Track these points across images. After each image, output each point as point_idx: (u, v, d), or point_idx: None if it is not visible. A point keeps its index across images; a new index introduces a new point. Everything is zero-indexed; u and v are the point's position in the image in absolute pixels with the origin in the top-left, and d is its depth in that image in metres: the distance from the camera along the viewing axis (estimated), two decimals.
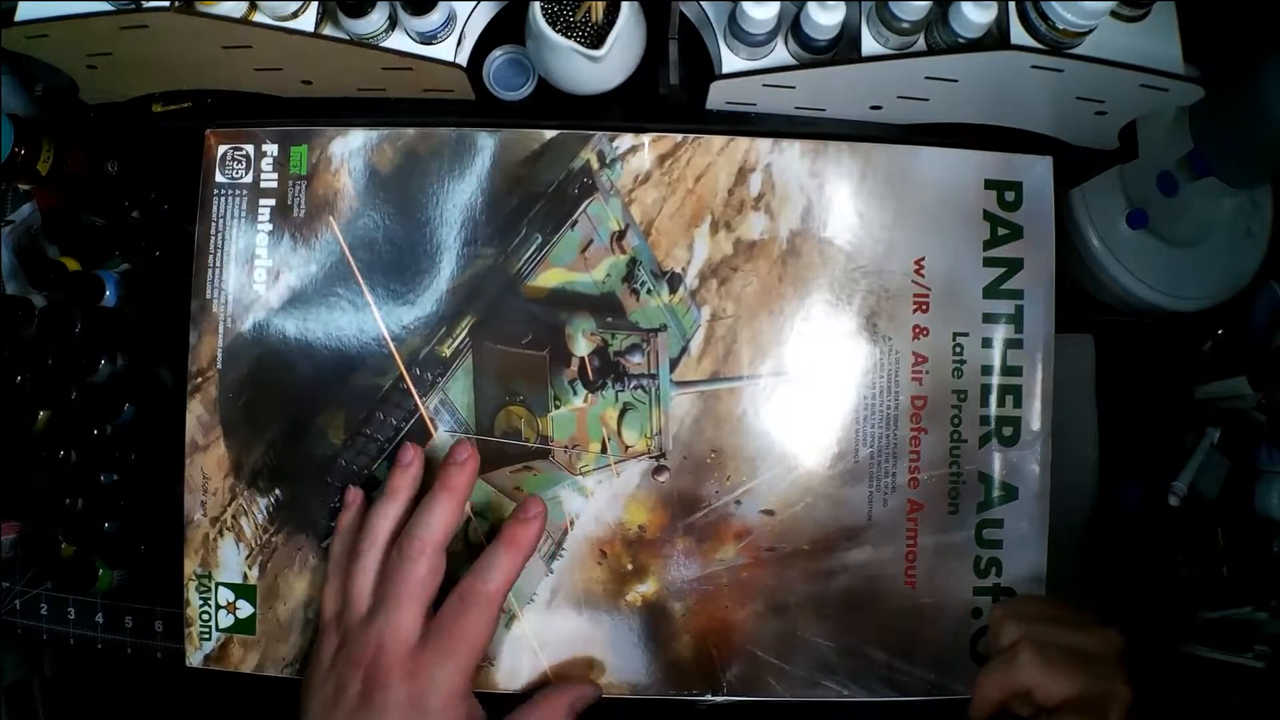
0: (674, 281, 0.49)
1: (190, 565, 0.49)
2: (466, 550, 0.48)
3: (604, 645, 0.49)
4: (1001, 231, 0.50)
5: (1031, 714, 0.42)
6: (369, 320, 0.49)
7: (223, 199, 0.49)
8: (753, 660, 0.49)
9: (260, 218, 0.49)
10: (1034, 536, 0.50)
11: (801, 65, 0.46)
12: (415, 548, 0.43)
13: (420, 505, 0.45)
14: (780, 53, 0.46)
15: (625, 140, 0.49)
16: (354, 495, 0.47)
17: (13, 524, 0.58)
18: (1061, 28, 0.42)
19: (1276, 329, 0.61)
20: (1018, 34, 0.43)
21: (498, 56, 0.50)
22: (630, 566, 0.49)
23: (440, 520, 0.44)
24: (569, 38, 0.43)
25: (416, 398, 0.48)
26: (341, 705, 0.42)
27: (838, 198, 0.49)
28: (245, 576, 0.49)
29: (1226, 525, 0.59)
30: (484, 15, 0.48)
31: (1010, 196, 0.50)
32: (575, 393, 0.48)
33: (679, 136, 0.49)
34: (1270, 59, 0.53)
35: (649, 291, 0.49)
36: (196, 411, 0.49)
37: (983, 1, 0.42)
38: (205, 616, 0.49)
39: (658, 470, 0.49)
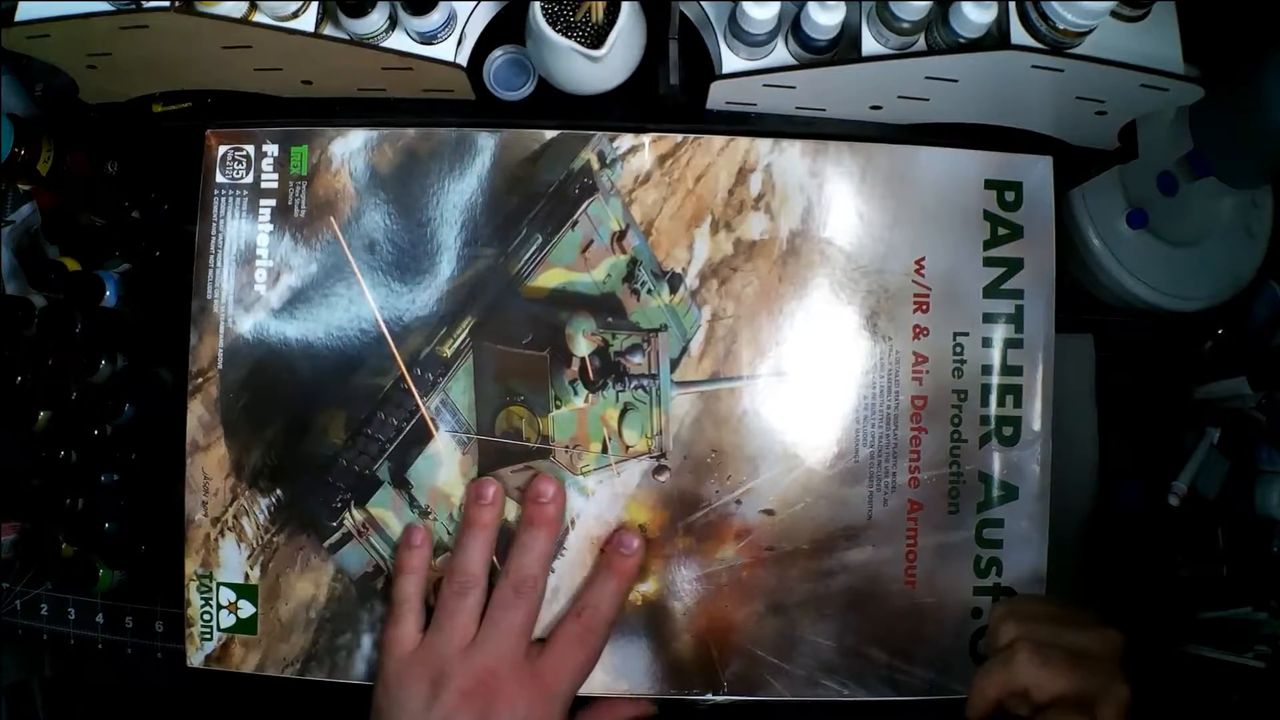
0: (674, 281, 0.49)
1: (191, 565, 0.49)
2: None
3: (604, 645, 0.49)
4: (1001, 231, 0.50)
5: (1029, 714, 0.42)
6: (369, 320, 0.49)
7: (223, 199, 0.49)
8: (753, 660, 0.49)
9: (261, 218, 0.49)
10: (1034, 536, 0.50)
11: (801, 65, 0.46)
12: (528, 585, 0.46)
13: (520, 541, 0.47)
14: (780, 53, 0.46)
15: (625, 140, 0.49)
16: (422, 535, 0.48)
17: (13, 524, 0.58)
18: (1061, 28, 0.42)
19: (1276, 329, 0.61)
20: (1018, 34, 0.43)
21: (498, 56, 0.50)
22: None
23: (543, 557, 0.47)
24: (569, 38, 0.43)
25: (417, 398, 0.48)
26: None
27: (838, 198, 0.49)
28: (247, 576, 0.49)
29: (1226, 525, 0.59)
30: (484, 15, 0.48)
31: (1010, 196, 0.50)
32: (576, 393, 0.48)
33: (679, 136, 0.49)
34: (1270, 59, 0.53)
35: (649, 291, 0.49)
36: (197, 412, 0.49)
37: (983, 1, 0.42)
38: (206, 616, 0.49)
39: (658, 470, 0.49)
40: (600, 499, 0.49)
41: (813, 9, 0.43)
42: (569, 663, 0.46)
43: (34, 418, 0.55)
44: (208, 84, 0.50)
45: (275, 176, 0.49)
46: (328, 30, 0.46)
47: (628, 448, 0.49)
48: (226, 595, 0.49)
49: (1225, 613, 0.56)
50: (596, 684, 0.48)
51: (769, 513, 0.49)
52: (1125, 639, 0.42)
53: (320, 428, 0.49)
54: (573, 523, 0.49)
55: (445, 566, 0.47)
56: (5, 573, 0.58)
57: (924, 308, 0.49)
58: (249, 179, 0.49)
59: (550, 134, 0.49)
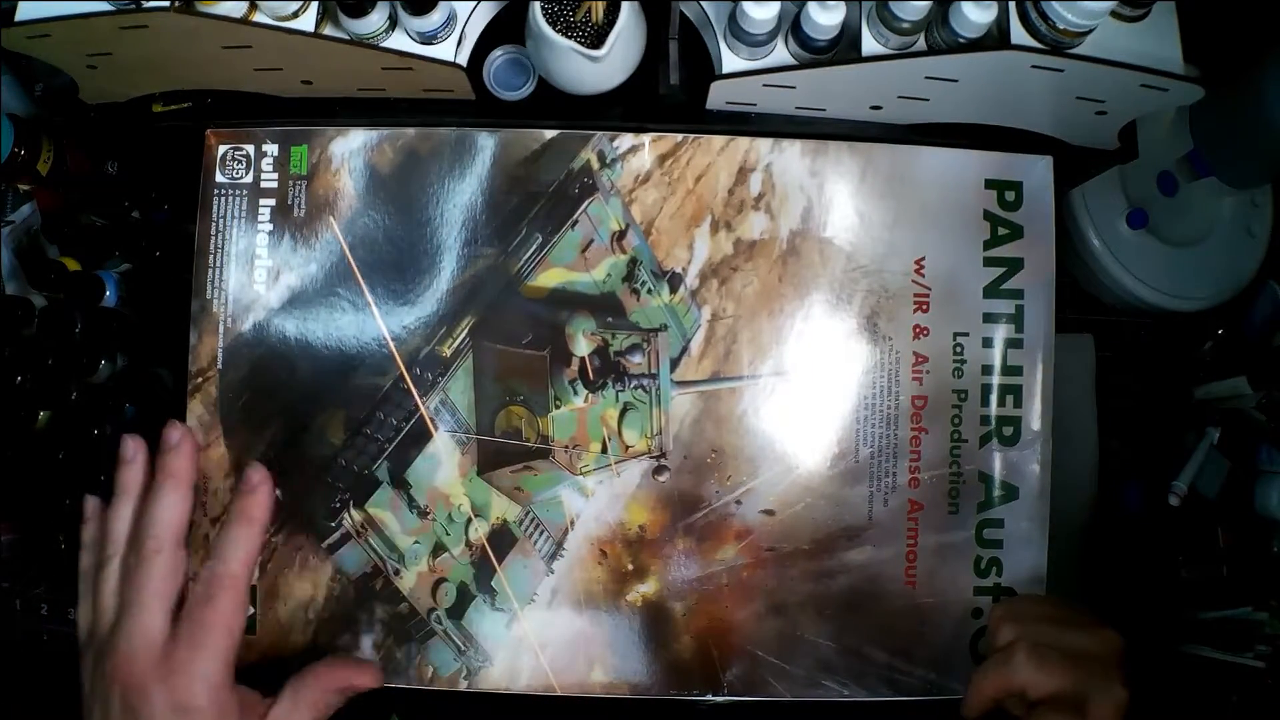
0: (674, 281, 0.49)
1: (191, 565, 0.49)
2: (467, 550, 0.48)
3: (604, 645, 0.49)
4: (1002, 231, 0.50)
5: (1024, 713, 0.42)
6: (369, 320, 0.49)
7: (223, 199, 0.49)
8: (753, 660, 0.49)
9: (260, 218, 0.49)
10: (1034, 536, 0.50)
11: (801, 65, 0.46)
12: (150, 546, 0.41)
13: (147, 502, 0.42)
14: (780, 53, 0.46)
15: (625, 140, 0.49)
16: (92, 506, 0.44)
17: (13, 524, 0.58)
18: (1061, 28, 0.42)
19: (1276, 329, 0.61)
20: (1018, 34, 0.43)
21: (498, 56, 0.50)
22: (631, 566, 0.49)
23: (170, 514, 0.42)
24: (569, 38, 0.43)
25: (417, 398, 0.48)
26: None
27: (838, 198, 0.49)
28: None
29: (1226, 525, 0.59)
30: (484, 15, 0.48)
31: (1010, 196, 0.50)
32: (576, 393, 0.48)
33: (679, 136, 0.49)
34: (1270, 59, 0.53)
35: (649, 291, 0.49)
36: (197, 411, 0.49)
37: (983, 1, 0.42)
38: None
39: (658, 470, 0.49)
40: (600, 499, 0.49)
41: (813, 9, 0.43)
42: (206, 623, 0.40)
43: (34, 418, 0.55)
44: (208, 84, 0.50)
45: (275, 176, 0.49)
46: (328, 30, 0.46)
47: (627, 448, 0.49)
48: None
49: (1225, 613, 0.56)
50: (597, 684, 0.48)
51: (769, 513, 0.49)
52: (1124, 640, 0.42)
53: (319, 427, 0.49)
54: (572, 523, 0.49)
55: (443, 566, 0.47)
56: (5, 573, 0.58)
57: (924, 308, 0.49)
58: (249, 179, 0.49)
59: (550, 134, 0.49)
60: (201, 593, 0.41)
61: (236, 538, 0.42)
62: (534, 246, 0.49)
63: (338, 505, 0.48)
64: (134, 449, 0.44)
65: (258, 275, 0.49)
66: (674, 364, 0.49)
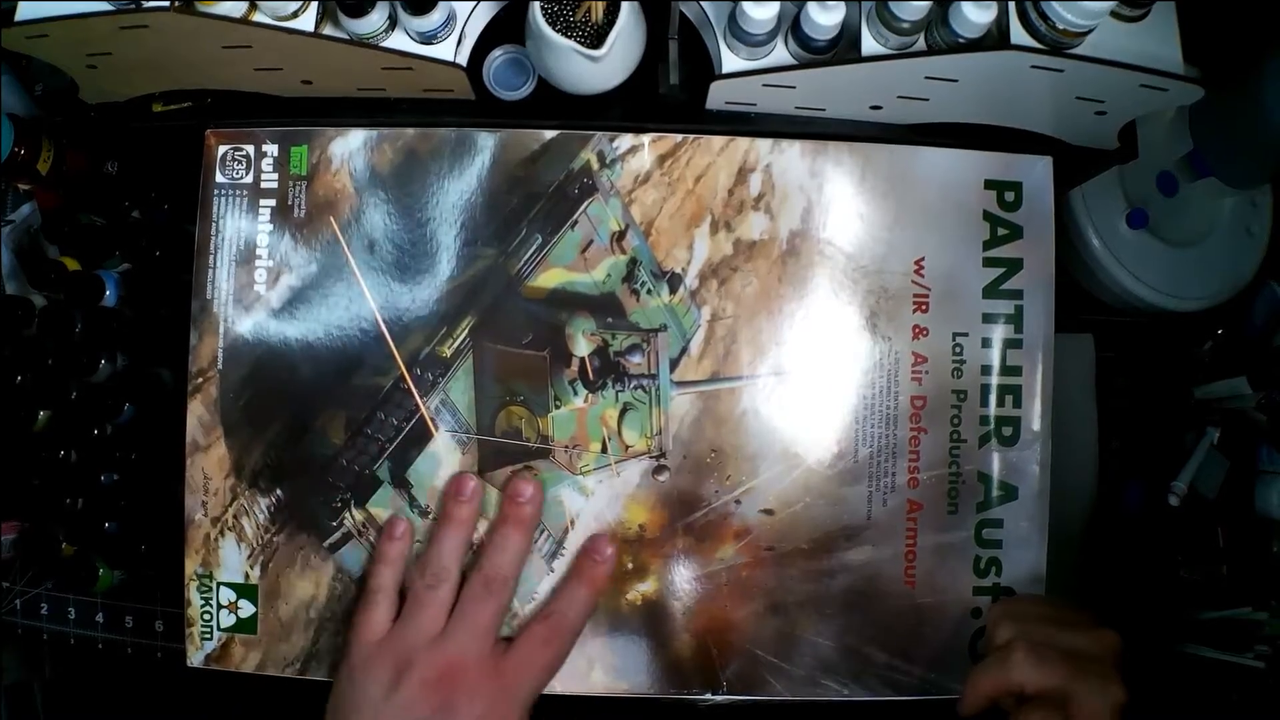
0: (674, 281, 0.49)
1: (191, 565, 0.49)
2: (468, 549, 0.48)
3: (604, 645, 0.49)
4: (1001, 231, 0.50)
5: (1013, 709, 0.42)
6: (369, 320, 0.49)
7: (223, 199, 0.49)
8: (753, 660, 0.49)
9: (260, 218, 0.49)
10: (1034, 536, 0.50)
11: (801, 65, 0.46)
12: (498, 582, 0.46)
13: (495, 539, 0.47)
14: (780, 53, 0.46)
15: (625, 140, 0.49)
16: (404, 528, 0.47)
17: (13, 524, 0.58)
18: (1061, 28, 0.42)
19: (1276, 329, 0.61)
20: (1018, 34, 0.43)
21: (498, 56, 0.50)
22: (630, 566, 0.49)
23: (517, 556, 0.47)
24: (569, 38, 0.43)
25: (417, 398, 0.48)
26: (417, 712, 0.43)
27: (838, 198, 0.49)
28: (247, 576, 0.49)
29: (1226, 525, 0.59)
30: (484, 15, 0.48)
31: (1010, 196, 0.50)
32: (575, 393, 0.49)
33: (679, 136, 0.49)
34: (1270, 59, 0.53)
35: (649, 291, 0.49)
36: (197, 411, 0.49)
37: (983, 1, 0.42)
38: (206, 616, 0.49)
39: (658, 470, 0.49)
40: (600, 499, 0.49)
41: (813, 9, 0.43)
42: (533, 663, 0.45)
43: (34, 418, 0.55)
44: (208, 84, 0.50)
45: (275, 176, 0.49)
46: (327, 30, 0.46)
47: (627, 448, 0.49)
48: (226, 595, 0.49)
49: (1225, 613, 0.56)
50: (597, 684, 0.48)
51: (768, 512, 0.49)
52: (1122, 640, 0.42)
53: (320, 427, 0.49)
54: (572, 523, 0.49)
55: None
56: (5, 573, 0.58)
57: (923, 308, 0.49)
58: (249, 179, 0.49)
59: (550, 134, 0.49)
60: (542, 632, 0.46)
61: (581, 597, 0.47)
62: (534, 247, 0.49)
63: (339, 505, 0.49)
64: (473, 490, 0.47)
65: (258, 275, 0.49)
66: (674, 364, 0.49)
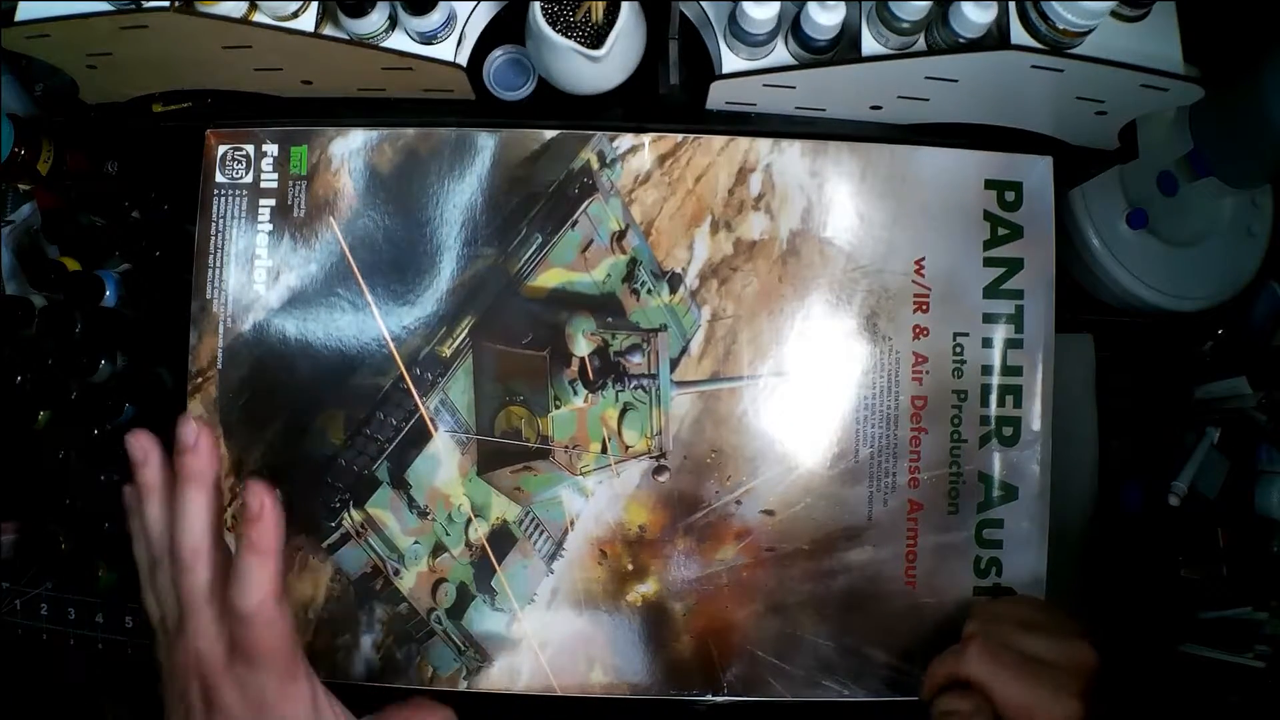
0: (674, 281, 0.49)
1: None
2: (467, 550, 0.48)
3: (604, 645, 0.49)
4: (1001, 231, 0.50)
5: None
6: (369, 320, 0.49)
7: (223, 199, 0.49)
8: (753, 660, 0.49)
9: (260, 218, 0.49)
10: (1034, 536, 0.50)
11: (801, 65, 0.46)
12: (187, 556, 0.39)
13: (175, 508, 0.40)
14: (780, 53, 0.46)
15: (625, 140, 0.49)
16: (131, 496, 0.42)
17: (13, 524, 0.58)
18: (1061, 28, 0.42)
19: (1276, 329, 0.61)
20: (1018, 34, 0.43)
21: (498, 56, 0.50)
22: (630, 566, 0.49)
23: (200, 518, 0.40)
24: (569, 38, 0.43)
25: (417, 398, 0.48)
26: (193, 711, 0.39)
27: (838, 198, 0.49)
28: None
29: (1226, 525, 0.59)
30: (484, 15, 0.48)
31: (1010, 196, 0.50)
32: (575, 393, 0.48)
33: (679, 136, 0.49)
34: (1270, 59, 0.53)
35: (649, 291, 0.49)
36: (197, 411, 0.49)
37: (983, 1, 0.42)
38: None
39: (658, 470, 0.49)
40: (599, 499, 0.49)
41: (813, 9, 0.43)
42: (255, 650, 0.39)
43: (34, 418, 0.55)
44: (208, 84, 0.50)
45: (275, 176, 0.49)
46: (328, 30, 0.46)
47: (627, 448, 0.49)
48: None
49: (1225, 613, 0.56)
50: (597, 685, 0.48)
51: (769, 513, 0.49)
52: (1099, 659, 0.42)
53: (319, 428, 0.49)
54: (572, 524, 0.49)
55: (443, 566, 0.47)
56: (5, 573, 0.58)
57: (924, 308, 0.49)
58: (249, 179, 0.49)
59: (550, 134, 0.49)
60: (239, 629, 0.39)
61: (252, 572, 0.39)
62: (534, 246, 0.49)
63: (338, 505, 0.48)
64: (143, 450, 0.41)
65: (258, 275, 0.49)
66: (674, 364, 0.49)
